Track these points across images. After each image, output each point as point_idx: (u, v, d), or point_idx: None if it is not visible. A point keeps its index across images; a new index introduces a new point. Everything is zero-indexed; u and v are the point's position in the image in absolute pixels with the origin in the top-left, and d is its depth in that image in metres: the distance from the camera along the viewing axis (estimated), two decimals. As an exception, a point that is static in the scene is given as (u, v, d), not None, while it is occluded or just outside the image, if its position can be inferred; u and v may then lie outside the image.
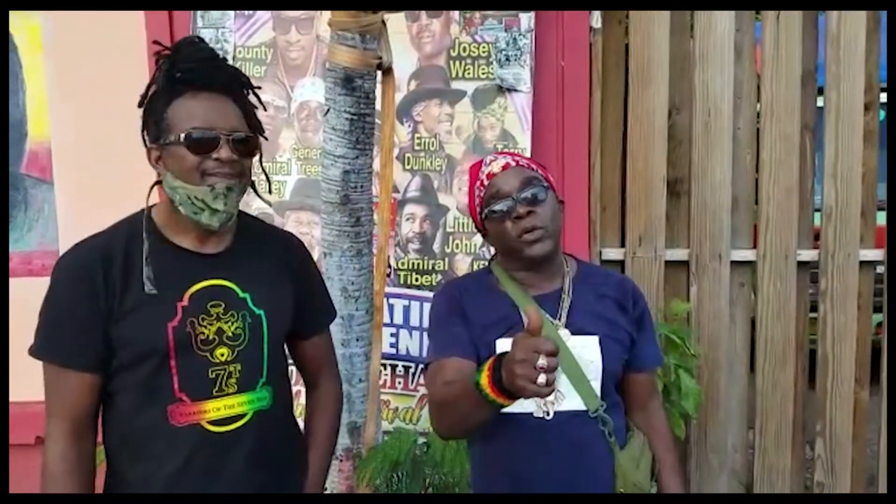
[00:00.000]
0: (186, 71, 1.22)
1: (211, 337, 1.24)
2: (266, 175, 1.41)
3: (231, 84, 1.27)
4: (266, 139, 1.36)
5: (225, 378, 1.26)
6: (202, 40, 1.28)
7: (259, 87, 1.35)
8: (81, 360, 1.22)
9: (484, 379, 1.09)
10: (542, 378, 0.98)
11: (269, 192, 1.40)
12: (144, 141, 1.27)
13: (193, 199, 1.21)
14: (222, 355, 1.25)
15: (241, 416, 1.27)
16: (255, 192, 1.39)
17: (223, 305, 1.26)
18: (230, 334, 1.26)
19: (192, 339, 1.23)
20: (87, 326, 1.20)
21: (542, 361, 0.98)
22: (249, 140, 1.26)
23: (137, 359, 1.22)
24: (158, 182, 1.27)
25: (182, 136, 1.19)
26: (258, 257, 1.35)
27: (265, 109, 1.41)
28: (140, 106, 1.27)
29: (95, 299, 1.20)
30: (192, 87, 1.22)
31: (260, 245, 1.37)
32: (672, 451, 1.52)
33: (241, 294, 1.29)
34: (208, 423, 1.25)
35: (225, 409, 1.26)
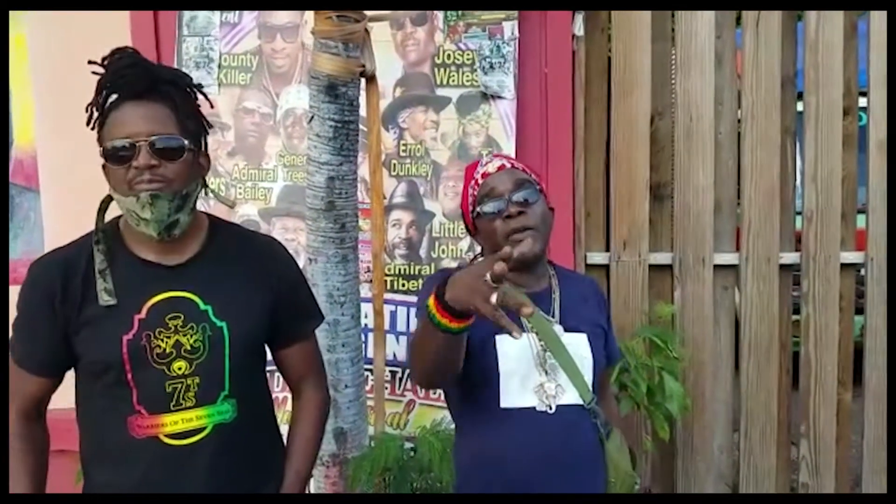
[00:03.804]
0: (111, 84, 1.21)
1: (168, 350, 1.23)
2: (204, 180, 1.33)
3: (158, 87, 1.21)
4: (208, 132, 1.32)
5: (182, 391, 1.24)
6: (125, 49, 1.24)
7: (199, 85, 1.31)
8: (29, 364, 1.26)
9: (431, 298, 1.10)
10: (493, 296, 1.00)
11: (205, 194, 1.34)
12: None
13: (128, 211, 1.21)
14: (179, 368, 1.24)
15: (199, 430, 1.25)
16: (215, 194, 1.38)
17: (182, 318, 1.24)
18: (188, 347, 1.24)
19: (147, 352, 1.21)
20: (38, 335, 1.24)
21: (488, 276, 1.00)
22: (173, 142, 1.19)
23: (96, 370, 1.23)
24: (111, 198, 1.27)
25: (103, 151, 1.20)
26: (228, 266, 1.31)
27: (212, 106, 1.41)
28: (87, 125, 1.25)
29: (51, 310, 1.22)
30: (121, 99, 1.20)
31: (232, 253, 1.33)
32: None
33: (203, 306, 1.26)
34: (166, 436, 1.24)
35: (183, 422, 1.24)
